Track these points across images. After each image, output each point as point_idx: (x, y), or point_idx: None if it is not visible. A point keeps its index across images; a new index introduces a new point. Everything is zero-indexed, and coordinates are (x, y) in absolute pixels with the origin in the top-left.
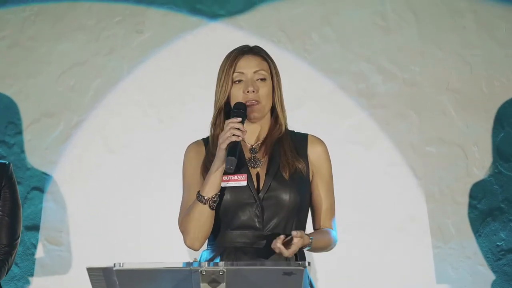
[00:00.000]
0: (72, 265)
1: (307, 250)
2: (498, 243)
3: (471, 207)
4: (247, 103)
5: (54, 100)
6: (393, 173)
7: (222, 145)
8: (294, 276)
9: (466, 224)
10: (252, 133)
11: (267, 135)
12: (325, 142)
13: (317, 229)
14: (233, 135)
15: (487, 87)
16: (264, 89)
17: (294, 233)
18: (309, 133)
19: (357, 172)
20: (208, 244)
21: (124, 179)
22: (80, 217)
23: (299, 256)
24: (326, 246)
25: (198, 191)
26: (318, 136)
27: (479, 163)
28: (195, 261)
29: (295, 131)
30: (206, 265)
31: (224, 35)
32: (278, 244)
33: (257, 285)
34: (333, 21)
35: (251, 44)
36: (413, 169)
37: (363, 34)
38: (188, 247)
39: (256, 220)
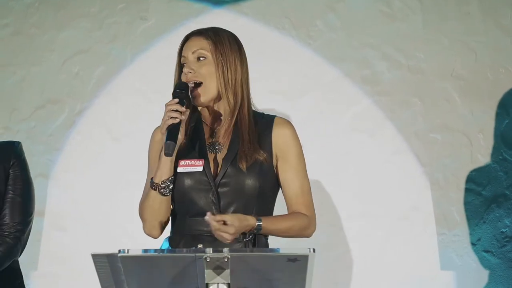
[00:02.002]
0: (76, 252)
1: (260, 233)
2: (502, 230)
3: (476, 194)
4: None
5: (58, 88)
6: (398, 160)
7: (162, 129)
8: (299, 262)
9: (470, 211)
10: (213, 116)
11: (227, 118)
12: (292, 124)
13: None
14: (171, 117)
15: (492, 74)
16: (203, 68)
17: (207, 218)
18: (277, 115)
19: (361, 160)
20: (171, 230)
21: (128, 166)
22: (84, 204)
23: (258, 243)
24: (292, 231)
25: (151, 178)
26: (286, 118)
27: (484, 150)
28: (200, 247)
29: (265, 113)
30: (211, 252)
31: (228, 22)
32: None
33: (262, 272)
34: (337, 8)
35: (256, 31)
36: (418, 156)
37: (368, 21)
38: (147, 235)
39: (213, 207)
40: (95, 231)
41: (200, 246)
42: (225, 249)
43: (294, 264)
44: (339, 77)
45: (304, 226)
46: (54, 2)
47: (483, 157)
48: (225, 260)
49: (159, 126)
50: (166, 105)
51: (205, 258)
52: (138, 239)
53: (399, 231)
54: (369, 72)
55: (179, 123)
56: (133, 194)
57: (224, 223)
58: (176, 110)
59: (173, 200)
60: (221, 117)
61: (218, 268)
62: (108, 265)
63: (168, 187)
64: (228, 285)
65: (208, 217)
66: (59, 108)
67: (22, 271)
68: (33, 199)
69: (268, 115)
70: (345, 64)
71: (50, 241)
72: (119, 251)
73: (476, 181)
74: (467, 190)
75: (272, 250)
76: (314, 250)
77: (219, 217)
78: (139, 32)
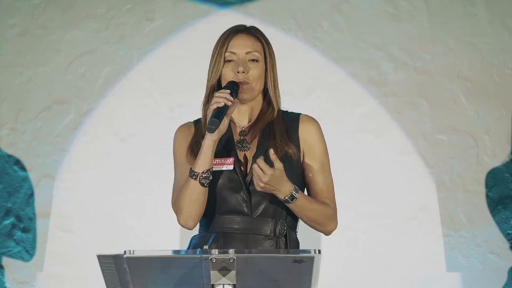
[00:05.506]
0: (82, 253)
1: (291, 205)
2: (508, 231)
3: (482, 195)
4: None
5: (64, 88)
6: (404, 161)
7: (208, 114)
8: (305, 263)
9: (476, 212)
10: (243, 115)
11: (258, 117)
12: (318, 122)
13: None
14: (216, 102)
15: (498, 75)
16: (255, 70)
17: (271, 152)
18: (301, 113)
19: (368, 161)
20: (199, 229)
21: (134, 167)
22: (90, 205)
23: (290, 242)
24: (320, 215)
25: (191, 168)
26: (312, 116)
27: (490, 152)
28: (206, 248)
29: (289, 111)
30: (217, 253)
31: (234, 23)
32: (259, 164)
33: (268, 273)
34: (343, 9)
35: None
36: (424, 157)
37: (374, 22)
38: (182, 226)
39: (244, 204)
40: (101, 232)
41: (205, 247)
42: (231, 250)
43: (299, 265)
44: (345, 78)
45: (330, 216)
46: (61, 2)
47: (489, 159)
48: (231, 261)
49: (183, 125)
50: (216, 92)
51: (211, 259)
52: (145, 240)
53: (405, 232)
54: (375, 73)
55: (224, 108)
56: (139, 195)
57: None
58: (225, 98)
59: None
60: (251, 116)
61: (224, 269)
62: (114, 266)
63: (208, 178)
64: (234, 286)
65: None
66: (66, 108)
67: (28, 272)
68: None
69: (292, 112)
70: (351, 65)
71: (56, 242)
72: (125, 252)
73: (482, 182)
74: (473, 191)
75: (278, 252)
76: (319, 251)
77: (264, 166)
78: (146, 32)
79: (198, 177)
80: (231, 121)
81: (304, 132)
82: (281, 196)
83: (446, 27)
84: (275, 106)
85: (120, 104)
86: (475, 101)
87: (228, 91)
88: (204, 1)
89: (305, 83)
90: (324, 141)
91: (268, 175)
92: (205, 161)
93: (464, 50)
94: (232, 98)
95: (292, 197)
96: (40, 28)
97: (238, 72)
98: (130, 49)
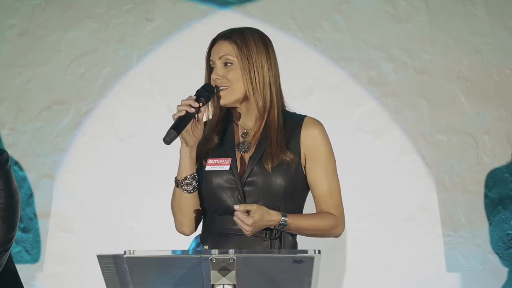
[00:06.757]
0: (82, 253)
1: (285, 229)
2: (508, 232)
3: (482, 195)
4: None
5: (64, 88)
6: (404, 161)
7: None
8: (304, 264)
9: (476, 212)
10: (247, 117)
11: (256, 120)
12: (323, 124)
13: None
14: (178, 111)
15: (498, 75)
16: (231, 73)
17: (236, 206)
18: (307, 115)
19: (368, 161)
20: (201, 229)
21: (134, 167)
22: (90, 205)
23: (284, 244)
24: (319, 230)
25: (175, 176)
26: (317, 118)
27: (490, 152)
28: (206, 249)
29: (296, 113)
30: (217, 253)
31: (234, 23)
32: (236, 218)
33: (267, 273)
34: (343, 9)
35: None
36: (424, 157)
37: (374, 22)
38: (179, 233)
39: None
40: (101, 232)
41: (205, 247)
42: (231, 251)
43: (299, 266)
44: (345, 78)
45: (331, 226)
46: (61, 2)
47: (489, 159)
48: (231, 261)
49: None
50: (182, 100)
51: (211, 259)
52: (145, 240)
53: (405, 232)
54: (375, 73)
55: (187, 116)
56: (139, 195)
57: (248, 213)
58: (189, 105)
59: (202, 199)
60: (252, 118)
61: (224, 270)
62: (113, 266)
63: (190, 184)
64: (234, 286)
65: (237, 206)
66: (65, 109)
67: (27, 272)
68: (17, 215)
69: (298, 115)
70: (351, 65)
71: (56, 242)
72: (125, 252)
73: (482, 182)
74: (473, 191)
75: (278, 252)
76: (319, 252)
77: (244, 206)
78: (145, 33)
79: (180, 185)
80: (234, 122)
81: (306, 136)
82: (272, 226)
83: (446, 27)
84: (254, 108)
85: (120, 104)
86: (475, 101)
87: (194, 97)
88: (203, 1)
89: (305, 83)
90: (329, 144)
91: (250, 222)
92: (183, 168)
93: (464, 50)
94: (197, 104)
95: (283, 225)
96: (40, 28)
97: (214, 79)
98: (130, 49)
